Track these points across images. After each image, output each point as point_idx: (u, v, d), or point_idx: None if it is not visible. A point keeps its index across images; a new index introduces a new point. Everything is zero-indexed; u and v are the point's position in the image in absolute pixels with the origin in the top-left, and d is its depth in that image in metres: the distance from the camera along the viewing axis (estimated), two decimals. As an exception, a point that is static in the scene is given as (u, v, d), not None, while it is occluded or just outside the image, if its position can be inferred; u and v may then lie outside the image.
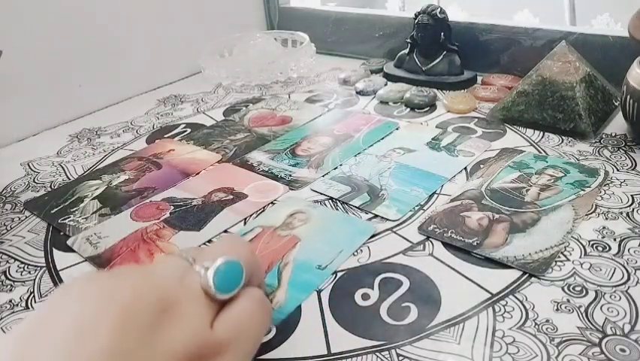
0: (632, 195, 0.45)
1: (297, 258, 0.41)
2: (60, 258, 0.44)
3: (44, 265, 0.44)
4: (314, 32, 0.86)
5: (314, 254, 0.42)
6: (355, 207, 0.47)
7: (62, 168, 0.60)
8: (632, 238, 0.40)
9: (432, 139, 0.58)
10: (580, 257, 0.39)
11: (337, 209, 0.48)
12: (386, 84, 0.75)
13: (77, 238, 0.46)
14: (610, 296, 0.35)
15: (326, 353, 0.33)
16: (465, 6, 1.53)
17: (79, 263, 0.44)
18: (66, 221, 0.49)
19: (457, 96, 0.67)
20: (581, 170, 0.49)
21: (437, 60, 0.73)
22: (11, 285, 0.42)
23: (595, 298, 0.35)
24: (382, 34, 0.84)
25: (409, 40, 0.75)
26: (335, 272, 0.40)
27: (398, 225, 0.45)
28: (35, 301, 0.40)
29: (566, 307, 0.34)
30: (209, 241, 0.44)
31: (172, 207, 0.49)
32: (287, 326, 0.35)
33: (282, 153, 0.58)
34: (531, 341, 0.32)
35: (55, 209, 0.51)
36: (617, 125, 0.58)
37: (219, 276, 0.28)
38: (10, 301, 0.40)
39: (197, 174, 0.56)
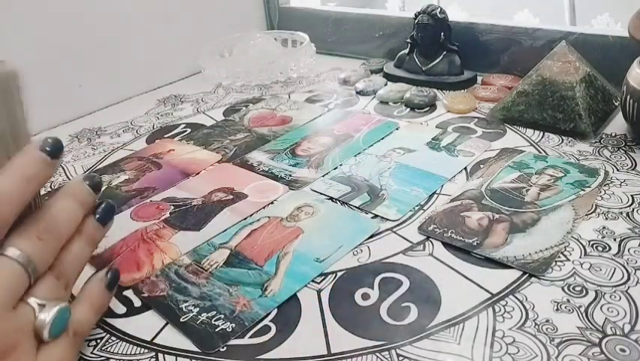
0: (632, 195, 0.45)
1: (297, 249, 0.42)
2: (60, 258, 0.44)
3: (44, 265, 0.44)
4: (314, 32, 0.86)
5: (314, 247, 0.42)
6: (355, 207, 0.47)
7: (62, 168, 0.60)
8: (632, 238, 0.40)
9: (432, 139, 0.58)
10: (580, 257, 0.39)
11: (344, 205, 0.48)
12: (386, 84, 0.75)
13: (77, 238, 0.46)
14: (610, 296, 0.35)
15: (326, 353, 0.33)
16: (465, 6, 1.53)
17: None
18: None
19: (457, 96, 0.67)
20: (581, 170, 0.49)
21: (437, 60, 0.73)
22: (11, 285, 0.42)
23: (595, 298, 0.35)
24: (382, 34, 0.84)
25: (409, 40, 0.75)
26: (335, 272, 0.40)
27: (398, 225, 0.45)
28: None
29: (565, 307, 0.34)
30: (209, 240, 0.44)
31: (172, 207, 0.49)
32: (287, 326, 0.35)
33: (282, 153, 0.58)
34: (531, 341, 0.32)
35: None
36: (617, 125, 0.57)
37: (56, 324, 0.28)
38: (10, 301, 0.40)
39: (197, 174, 0.56)
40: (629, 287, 0.36)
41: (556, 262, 0.38)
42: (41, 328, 0.28)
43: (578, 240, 0.41)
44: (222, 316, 0.36)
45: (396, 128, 0.62)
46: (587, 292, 0.36)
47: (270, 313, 0.36)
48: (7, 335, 0.26)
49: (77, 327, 0.31)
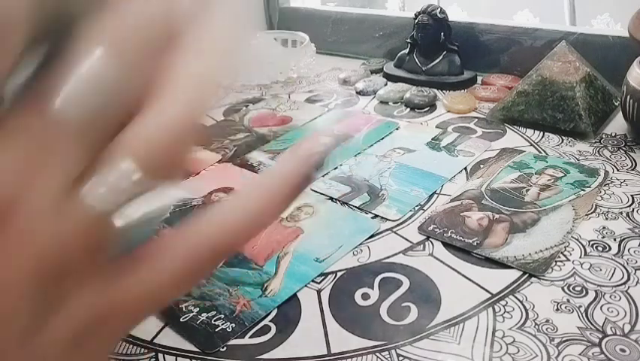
0: (632, 195, 0.45)
1: (297, 249, 0.42)
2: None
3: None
4: (314, 32, 0.86)
5: (314, 247, 0.42)
6: (355, 207, 0.47)
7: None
8: (632, 238, 0.40)
9: (432, 139, 0.58)
10: (580, 257, 0.39)
11: (344, 205, 0.48)
12: (386, 84, 0.75)
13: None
14: (610, 296, 0.35)
15: (326, 353, 0.33)
16: (465, 6, 1.53)
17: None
18: None
19: (457, 96, 0.67)
20: (581, 170, 0.49)
21: (437, 60, 0.73)
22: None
23: (595, 298, 0.35)
24: (382, 34, 0.84)
25: (409, 41, 0.75)
26: (335, 272, 0.40)
27: (398, 225, 0.45)
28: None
29: (566, 307, 0.34)
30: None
31: (172, 207, 0.49)
32: (287, 326, 0.35)
33: (282, 153, 0.58)
34: (531, 341, 0.32)
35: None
36: (617, 125, 0.57)
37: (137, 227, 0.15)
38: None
39: (197, 174, 0.56)
40: (629, 287, 0.36)
41: (556, 262, 0.38)
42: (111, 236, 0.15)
43: (578, 240, 0.41)
44: (222, 316, 0.36)
45: (397, 129, 0.62)
46: (587, 292, 0.36)
47: (270, 313, 0.36)
48: (52, 247, 0.14)
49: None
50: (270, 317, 0.36)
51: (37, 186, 0.14)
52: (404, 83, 0.73)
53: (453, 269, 0.39)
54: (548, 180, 0.48)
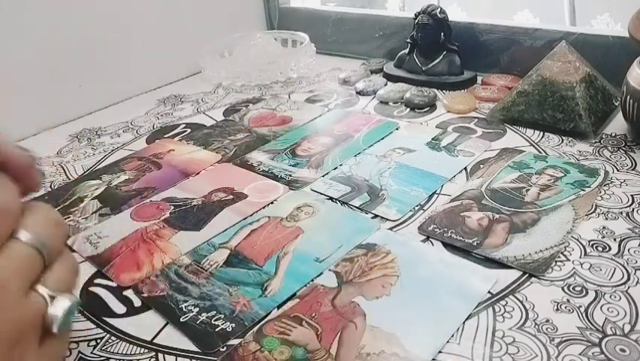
0: (632, 195, 0.45)
1: (297, 249, 0.42)
2: (60, 258, 0.44)
3: (44, 265, 0.44)
4: (314, 32, 0.86)
5: (314, 247, 0.42)
6: (355, 207, 0.47)
7: (62, 168, 0.60)
8: (632, 238, 0.40)
9: (432, 139, 0.58)
10: (580, 257, 0.39)
11: (344, 205, 0.48)
12: (386, 84, 0.75)
13: (77, 237, 0.46)
14: (610, 296, 0.35)
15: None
16: (465, 6, 1.53)
17: (78, 263, 0.44)
18: (66, 221, 0.49)
19: (457, 96, 0.67)
20: (581, 170, 0.49)
21: (437, 60, 0.73)
22: (11, 285, 0.42)
23: (595, 298, 0.35)
24: (382, 34, 0.84)
25: (409, 41, 0.75)
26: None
27: (398, 225, 0.45)
28: (35, 301, 0.40)
29: (566, 307, 0.34)
30: (209, 240, 0.44)
31: (172, 207, 0.49)
32: (287, 326, 0.35)
33: (282, 153, 0.58)
34: (531, 341, 0.32)
35: (55, 209, 0.51)
36: (617, 125, 0.57)
37: (66, 319, 0.27)
38: (10, 301, 0.40)
39: (197, 174, 0.56)
40: (629, 287, 0.36)
41: (556, 262, 0.38)
42: (51, 322, 0.27)
43: (578, 240, 0.41)
44: (222, 316, 0.36)
45: (397, 128, 0.62)
46: (587, 292, 0.36)
47: (269, 313, 0.36)
48: (20, 322, 0.25)
49: None
50: (269, 317, 0.36)
51: (17, 282, 0.25)
52: (404, 83, 0.73)
53: (453, 269, 0.39)
54: (548, 180, 0.48)
